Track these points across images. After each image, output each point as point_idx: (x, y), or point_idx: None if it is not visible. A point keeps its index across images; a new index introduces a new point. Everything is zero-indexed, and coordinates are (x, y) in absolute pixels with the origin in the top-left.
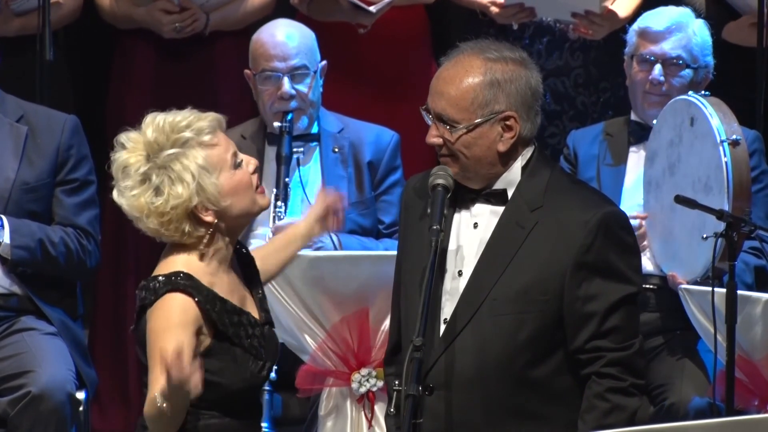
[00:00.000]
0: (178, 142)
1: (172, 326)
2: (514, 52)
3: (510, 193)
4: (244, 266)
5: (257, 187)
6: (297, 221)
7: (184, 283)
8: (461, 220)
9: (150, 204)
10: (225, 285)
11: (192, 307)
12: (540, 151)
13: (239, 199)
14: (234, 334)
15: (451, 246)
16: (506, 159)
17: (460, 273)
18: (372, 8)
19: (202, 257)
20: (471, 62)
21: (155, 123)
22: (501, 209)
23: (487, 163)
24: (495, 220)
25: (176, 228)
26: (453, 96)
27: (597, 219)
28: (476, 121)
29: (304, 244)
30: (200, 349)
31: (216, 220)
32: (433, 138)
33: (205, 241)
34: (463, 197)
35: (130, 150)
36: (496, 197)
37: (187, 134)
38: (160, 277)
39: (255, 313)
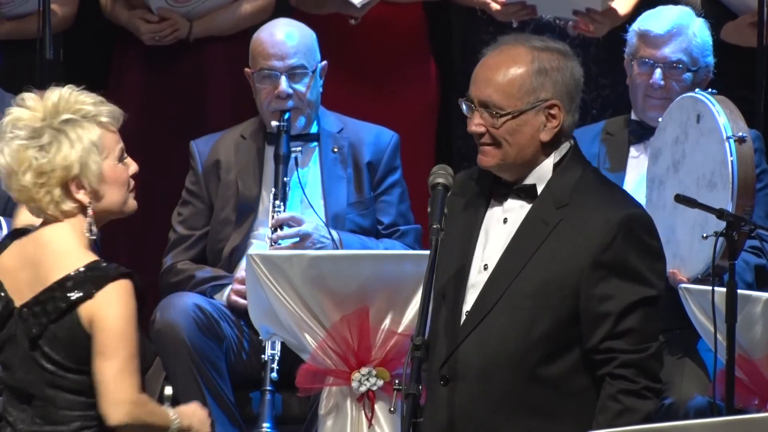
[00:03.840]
0: (79, 112)
1: (133, 315)
2: (558, 43)
3: (539, 189)
4: None
5: (132, 190)
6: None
7: (116, 268)
8: (493, 216)
9: (33, 158)
10: None
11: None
12: (575, 149)
13: (113, 192)
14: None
15: (480, 240)
16: (547, 150)
17: (485, 267)
18: (356, 2)
19: (80, 237)
20: (517, 50)
21: (62, 91)
22: (530, 206)
23: (529, 152)
24: (523, 216)
25: (47, 192)
26: (500, 82)
27: (619, 219)
28: (522, 107)
29: None
30: None
31: (88, 201)
32: (476, 126)
33: (76, 219)
34: (497, 192)
35: (28, 108)
36: (526, 192)
37: (90, 108)
38: (82, 269)
39: None
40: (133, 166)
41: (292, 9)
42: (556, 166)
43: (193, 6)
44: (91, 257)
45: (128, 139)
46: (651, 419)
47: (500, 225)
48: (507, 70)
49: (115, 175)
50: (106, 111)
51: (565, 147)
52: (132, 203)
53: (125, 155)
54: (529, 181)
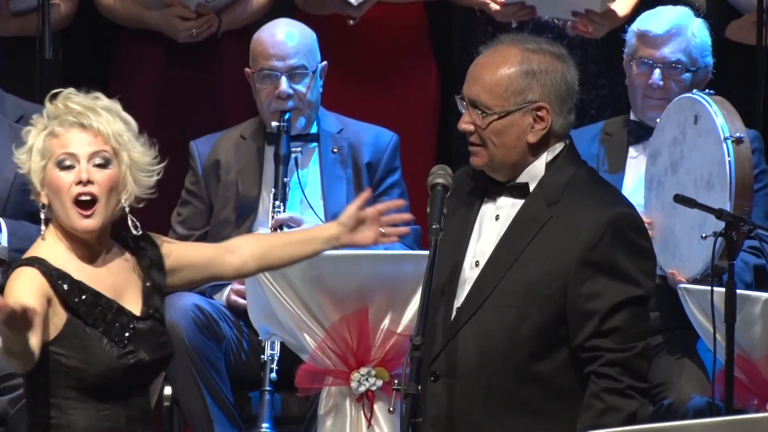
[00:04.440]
0: (43, 116)
1: (14, 288)
2: (553, 46)
3: (532, 187)
4: (142, 257)
5: (77, 203)
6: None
7: (29, 260)
8: (486, 212)
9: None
10: (83, 272)
11: (37, 276)
12: (570, 148)
13: (54, 198)
14: (86, 313)
15: (473, 237)
16: (535, 151)
17: (477, 263)
18: (353, 1)
19: (45, 241)
20: (509, 51)
21: (60, 95)
22: (521, 203)
23: (515, 153)
24: (515, 213)
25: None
26: (488, 82)
27: (607, 218)
28: (508, 108)
29: (323, 248)
30: (53, 322)
31: (46, 203)
32: (465, 124)
33: (43, 218)
34: (490, 190)
35: None
36: (519, 190)
37: (47, 114)
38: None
39: (131, 305)
40: (80, 177)
41: (293, 9)
42: (549, 164)
43: (219, 0)
44: (32, 254)
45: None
46: (635, 419)
47: (492, 221)
48: (496, 70)
49: (51, 179)
50: (66, 120)
51: (558, 146)
52: (76, 219)
53: (78, 164)
54: (521, 179)
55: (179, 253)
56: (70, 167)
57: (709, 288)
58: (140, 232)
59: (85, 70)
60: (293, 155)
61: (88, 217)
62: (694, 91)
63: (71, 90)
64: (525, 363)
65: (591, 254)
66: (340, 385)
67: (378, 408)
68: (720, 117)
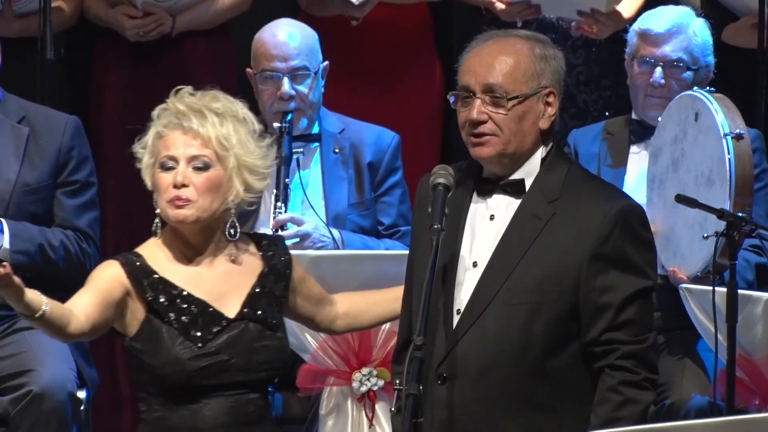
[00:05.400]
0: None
1: (91, 276)
2: (540, 35)
3: (528, 185)
4: (266, 262)
5: (171, 200)
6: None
7: (121, 254)
8: (477, 212)
9: None
10: (180, 273)
11: (116, 268)
12: (557, 146)
13: (158, 196)
14: (164, 310)
15: (466, 237)
16: (545, 139)
17: (475, 264)
18: (354, 0)
19: (158, 240)
20: (513, 39)
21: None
22: (517, 201)
23: (529, 141)
24: (511, 212)
25: None
26: (506, 67)
27: (615, 211)
28: (526, 92)
29: None
30: (135, 318)
31: (155, 200)
32: (478, 114)
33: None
34: (480, 189)
35: None
36: (513, 188)
37: (159, 113)
38: None
39: (227, 308)
40: (175, 178)
41: (296, 10)
42: (542, 161)
43: (175, 1)
44: (138, 249)
45: (111, 139)
46: (648, 411)
47: (486, 221)
48: (509, 56)
49: (155, 178)
50: (168, 122)
51: (549, 144)
52: (171, 212)
53: (178, 166)
54: (517, 175)
55: (303, 276)
56: (170, 168)
57: (710, 288)
58: (237, 237)
59: (81, 71)
60: (295, 156)
61: (180, 207)
62: (695, 88)
63: (188, 89)
64: (538, 360)
65: (602, 248)
66: (341, 385)
67: (379, 408)
68: (720, 114)
